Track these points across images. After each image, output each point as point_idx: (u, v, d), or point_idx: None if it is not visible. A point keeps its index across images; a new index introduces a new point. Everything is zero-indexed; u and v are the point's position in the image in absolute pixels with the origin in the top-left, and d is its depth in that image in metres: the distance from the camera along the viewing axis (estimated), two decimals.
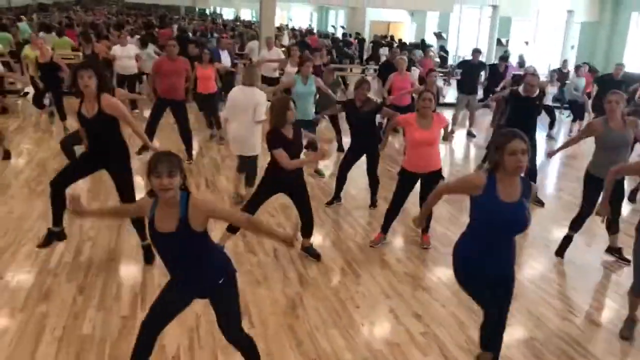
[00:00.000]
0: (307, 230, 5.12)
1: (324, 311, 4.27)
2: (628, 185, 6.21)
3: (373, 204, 6.60)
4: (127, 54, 10.55)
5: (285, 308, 4.29)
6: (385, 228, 5.59)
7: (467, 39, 22.78)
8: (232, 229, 4.97)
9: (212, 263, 2.95)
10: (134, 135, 4.83)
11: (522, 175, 3.09)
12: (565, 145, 5.83)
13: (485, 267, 3.16)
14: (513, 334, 4.11)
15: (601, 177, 4.99)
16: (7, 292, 4.24)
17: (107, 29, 17.51)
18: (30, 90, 10.48)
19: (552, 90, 11.51)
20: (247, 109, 5.90)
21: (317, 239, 5.72)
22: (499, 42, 20.00)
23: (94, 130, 4.52)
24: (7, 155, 7.53)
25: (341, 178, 6.53)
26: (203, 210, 2.80)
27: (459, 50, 22.50)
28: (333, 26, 30.68)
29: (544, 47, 21.65)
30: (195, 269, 2.88)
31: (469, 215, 3.23)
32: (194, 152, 8.26)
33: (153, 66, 8.08)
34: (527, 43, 21.61)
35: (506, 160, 2.98)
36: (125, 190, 4.71)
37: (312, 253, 5.18)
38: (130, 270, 4.71)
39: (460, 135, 10.89)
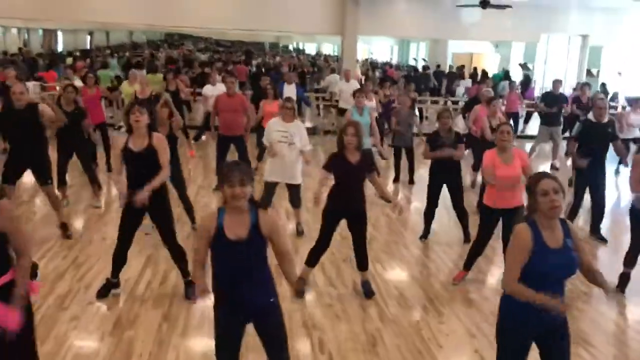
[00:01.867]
0: (361, 264, 4.97)
1: (405, 349, 4.15)
2: None
3: (467, 238, 6.32)
4: (216, 93, 10.88)
5: (365, 344, 4.21)
6: (467, 265, 5.41)
7: (554, 69, 22.06)
8: (312, 263, 4.93)
9: (267, 279, 3.00)
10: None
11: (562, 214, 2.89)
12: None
13: (541, 316, 2.83)
14: None
15: None
16: (98, 317, 4.42)
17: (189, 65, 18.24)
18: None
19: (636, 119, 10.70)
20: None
21: (397, 274, 5.62)
22: (588, 72, 19.24)
23: (140, 163, 4.48)
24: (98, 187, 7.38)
25: (429, 214, 6.41)
26: (270, 222, 2.90)
27: (545, 80, 21.78)
28: (414, 59, 30.66)
29: None
30: (252, 282, 2.91)
31: None
32: None
33: (213, 103, 8.28)
34: (620, 74, 20.62)
35: (540, 203, 2.80)
36: (169, 229, 4.74)
37: (366, 289, 5.00)
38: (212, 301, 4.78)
39: (542, 168, 10.47)
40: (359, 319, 4.57)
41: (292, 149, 6.08)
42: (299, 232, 6.43)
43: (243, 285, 2.90)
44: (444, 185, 6.27)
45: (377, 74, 21.10)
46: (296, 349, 4.10)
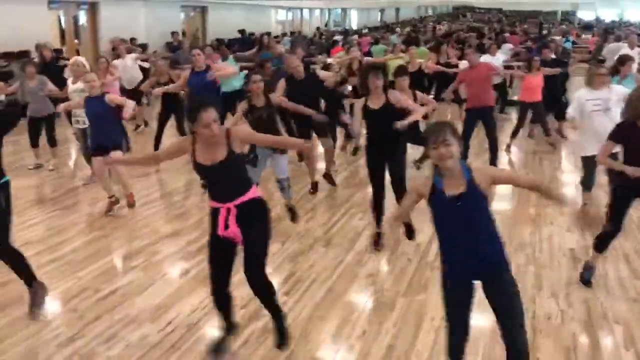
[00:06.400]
0: None
1: None
2: None
3: None
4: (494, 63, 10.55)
5: None
6: None
7: None
8: (600, 249, 4.46)
9: (493, 235, 2.85)
10: None
11: None
12: None
13: None
14: None
15: None
16: (392, 277, 4.71)
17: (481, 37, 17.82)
18: None
19: None
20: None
21: None
22: None
23: (379, 120, 4.92)
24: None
25: None
26: (488, 173, 2.84)
27: None
28: None
29: None
30: (480, 238, 2.80)
31: None
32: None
33: (458, 76, 8.08)
34: None
35: None
36: (400, 178, 5.09)
37: None
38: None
39: None
40: None
41: (609, 115, 5.48)
42: None
43: (465, 244, 2.81)
44: None
45: None
46: (595, 341, 3.80)
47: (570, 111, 5.86)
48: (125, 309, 4.20)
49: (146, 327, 3.94)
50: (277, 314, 3.60)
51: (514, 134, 8.86)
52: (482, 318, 4.00)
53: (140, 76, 10.26)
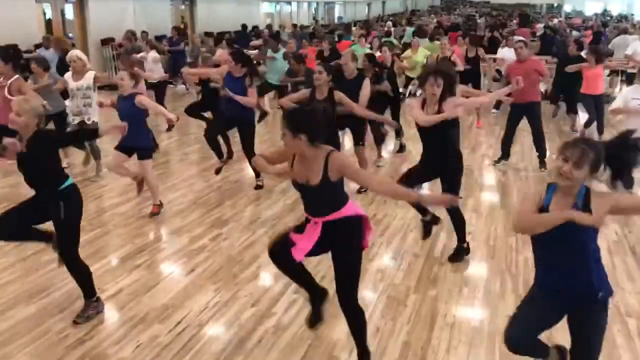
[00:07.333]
0: None
1: None
2: None
3: None
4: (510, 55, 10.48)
5: None
6: None
7: None
8: None
9: (595, 265, 2.63)
10: None
11: None
12: None
13: None
14: None
15: None
16: (400, 272, 4.67)
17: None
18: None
19: None
20: None
21: None
22: None
23: (431, 130, 4.41)
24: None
25: None
26: (609, 200, 2.53)
27: None
28: None
29: None
30: (581, 268, 2.60)
31: None
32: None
33: (505, 72, 8.02)
34: None
35: None
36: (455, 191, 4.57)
37: None
38: (505, 268, 4.69)
39: None
40: None
41: None
42: None
43: (562, 266, 2.62)
44: None
45: None
46: (609, 334, 3.79)
47: (616, 103, 5.72)
48: (132, 309, 4.11)
49: (155, 327, 3.86)
50: (365, 352, 3.37)
51: (587, 125, 8.81)
52: (497, 317, 4.00)
53: (162, 70, 10.16)
